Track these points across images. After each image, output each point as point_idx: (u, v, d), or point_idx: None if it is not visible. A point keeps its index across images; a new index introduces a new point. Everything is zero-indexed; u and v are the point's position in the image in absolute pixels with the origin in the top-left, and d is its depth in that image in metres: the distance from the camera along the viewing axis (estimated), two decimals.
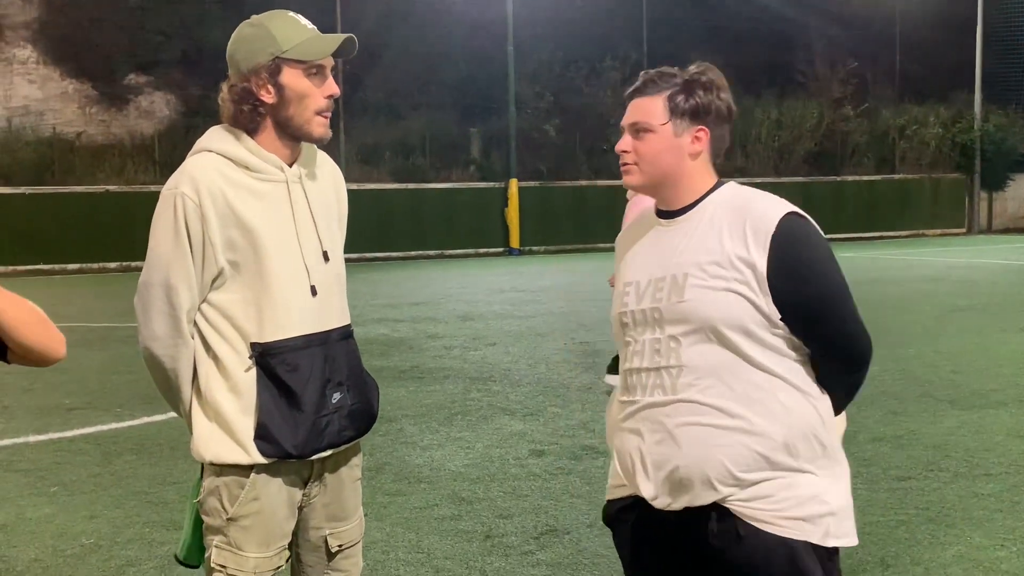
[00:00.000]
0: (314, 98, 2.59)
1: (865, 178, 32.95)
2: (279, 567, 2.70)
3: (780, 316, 2.38)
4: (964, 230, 34.76)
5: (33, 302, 2.15)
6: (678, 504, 2.44)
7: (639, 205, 9.80)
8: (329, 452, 2.67)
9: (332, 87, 2.62)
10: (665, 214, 2.56)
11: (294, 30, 2.58)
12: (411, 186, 27.80)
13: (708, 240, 2.42)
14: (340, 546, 2.79)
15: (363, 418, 2.75)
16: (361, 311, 14.26)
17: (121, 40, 32.68)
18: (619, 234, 2.76)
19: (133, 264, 24.34)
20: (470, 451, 6.91)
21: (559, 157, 30.57)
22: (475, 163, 30.52)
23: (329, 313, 2.67)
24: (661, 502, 2.45)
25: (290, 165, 2.65)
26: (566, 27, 31.51)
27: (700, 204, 2.49)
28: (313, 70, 2.59)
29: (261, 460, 2.56)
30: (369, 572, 4.66)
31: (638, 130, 2.48)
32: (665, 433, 2.43)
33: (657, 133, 2.46)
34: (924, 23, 35.22)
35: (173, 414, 8.45)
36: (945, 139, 34.90)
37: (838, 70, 33.75)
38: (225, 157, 2.58)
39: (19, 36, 33.27)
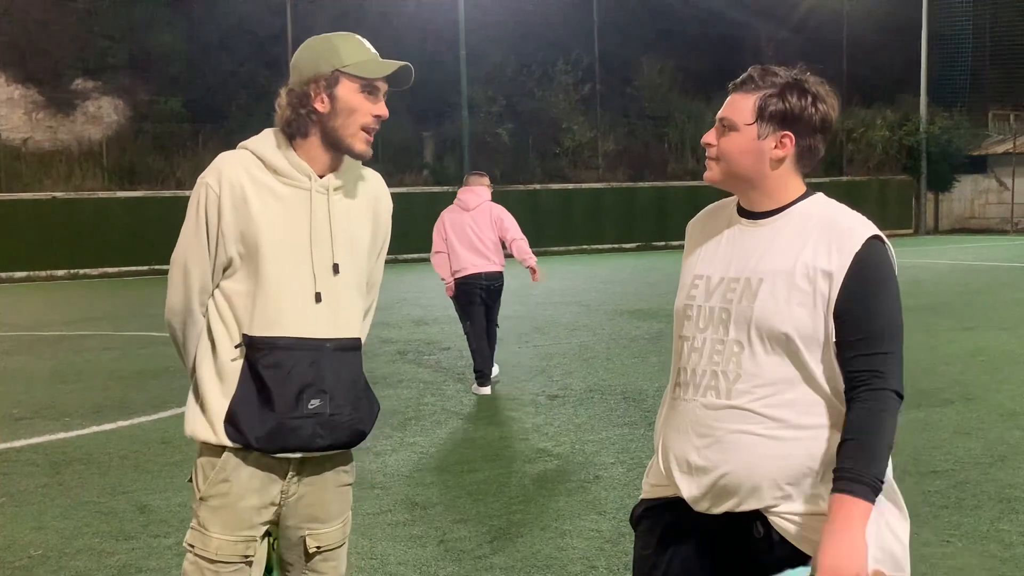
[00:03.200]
0: (362, 114, 2.72)
1: (814, 180, 33.11)
2: (247, 556, 2.74)
3: (836, 334, 2.32)
4: (912, 231, 35.33)
5: None
6: (719, 509, 2.40)
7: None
8: (299, 455, 2.71)
9: (382, 108, 2.76)
10: (748, 214, 2.48)
11: (358, 49, 2.75)
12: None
13: (790, 250, 2.36)
14: (319, 548, 2.83)
15: (343, 431, 2.76)
16: None
17: (68, 44, 32.23)
18: (693, 219, 2.66)
19: (81, 271, 24.10)
20: (424, 456, 6.90)
21: (512, 161, 30.64)
22: (428, 167, 30.50)
23: (330, 323, 2.72)
24: (702, 506, 2.41)
25: (322, 176, 2.75)
26: (518, 31, 31.62)
27: (786, 211, 2.42)
28: (368, 88, 2.73)
29: (227, 443, 2.66)
30: None
31: (725, 126, 2.42)
32: (714, 438, 2.38)
33: (741, 132, 2.39)
34: (870, 26, 35.75)
35: (123, 423, 8.35)
36: (892, 141, 35.45)
37: None
38: (256, 156, 2.72)
39: None
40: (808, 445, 2.34)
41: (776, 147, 2.38)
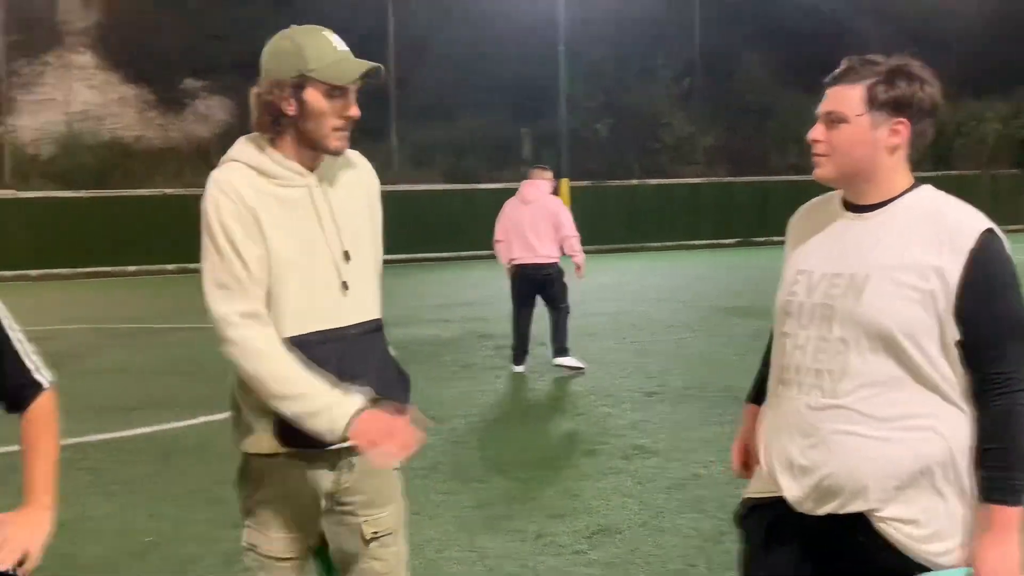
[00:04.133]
0: (332, 117, 2.69)
1: (922, 174, 32.15)
2: (300, 556, 2.81)
3: (958, 334, 2.26)
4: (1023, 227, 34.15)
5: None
6: (821, 510, 2.37)
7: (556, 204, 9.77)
8: (348, 443, 2.69)
9: (352, 109, 2.71)
10: (853, 207, 2.41)
11: (324, 50, 2.68)
12: (463, 187, 27.93)
13: (897, 244, 2.29)
14: (376, 533, 2.84)
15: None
16: (412, 312, 14.37)
17: (178, 45, 33.17)
18: (796, 214, 2.61)
19: (190, 266, 24.71)
20: (521, 451, 6.96)
21: (610, 156, 30.53)
22: (526, 163, 30.59)
23: (351, 309, 2.74)
24: (805, 507, 2.39)
25: (311, 171, 2.76)
26: (618, 26, 31.48)
27: (893, 203, 2.35)
28: (335, 92, 2.68)
29: (281, 450, 2.68)
30: (423, 571, 4.72)
31: (832, 120, 2.34)
32: (818, 438, 2.34)
33: (852, 124, 2.32)
34: (981, 16, 34.69)
35: (229, 413, 8.57)
36: (1004, 135, 34.33)
37: None
38: (250, 167, 2.71)
39: (79, 42, 33.91)
40: (915, 447, 2.29)
41: (890, 135, 2.32)
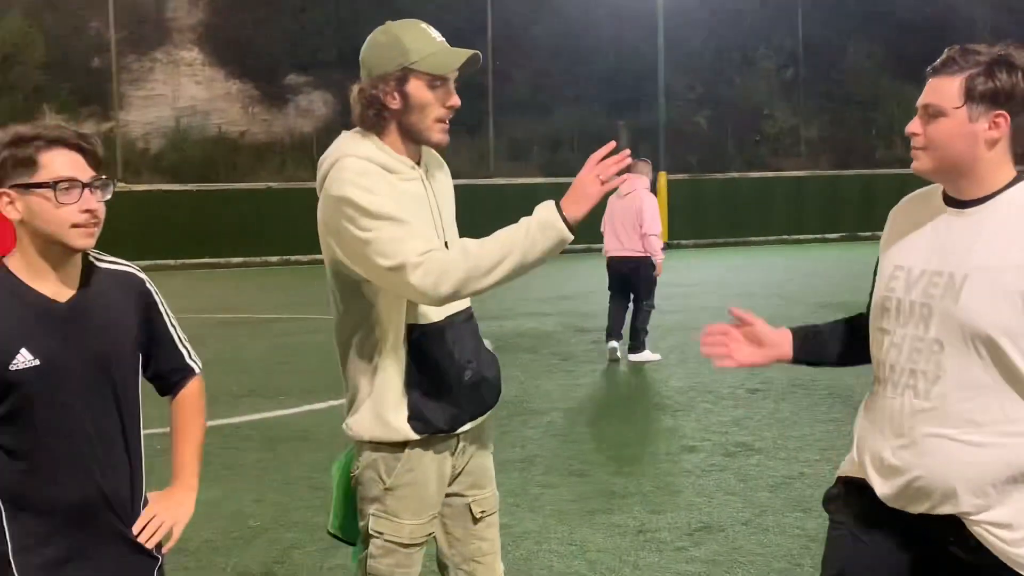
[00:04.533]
0: (436, 108, 2.73)
1: None
2: (430, 533, 2.90)
3: None
4: None
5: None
6: (913, 510, 2.33)
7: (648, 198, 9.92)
8: (469, 425, 2.85)
9: (454, 99, 2.75)
10: (954, 202, 2.34)
11: (424, 42, 2.72)
12: (560, 180, 27.89)
13: (998, 243, 2.23)
14: (483, 512, 2.95)
15: (491, 391, 2.91)
16: (511, 305, 14.40)
17: (281, 41, 33.82)
18: (896, 206, 2.54)
19: (292, 258, 25.24)
20: (621, 445, 6.91)
21: (709, 149, 30.20)
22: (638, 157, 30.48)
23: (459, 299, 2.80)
24: (896, 504, 2.36)
25: (418, 164, 2.82)
26: (718, 16, 31.10)
27: (995, 199, 2.28)
28: (437, 82, 2.72)
29: (414, 437, 2.74)
30: (523, 562, 4.72)
31: (930, 112, 2.28)
32: (910, 439, 2.31)
33: (950, 117, 2.25)
34: None
35: (334, 403, 8.71)
36: None
37: None
38: (372, 163, 2.73)
39: (186, 39, 34.83)
40: (1011, 453, 2.23)
41: (990, 128, 2.24)
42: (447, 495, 2.90)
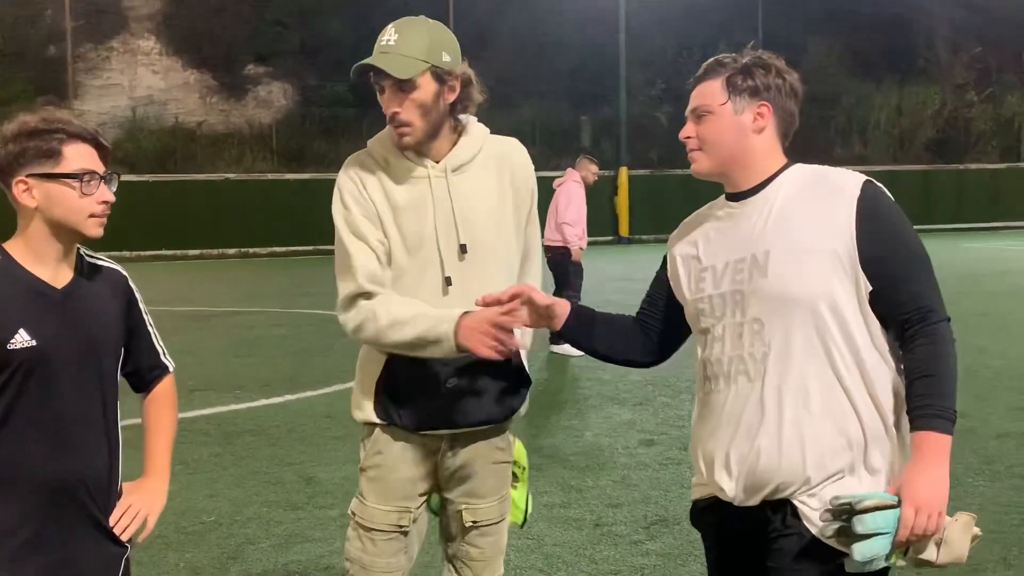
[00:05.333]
0: None
1: (989, 166, 31.85)
2: (402, 527, 2.85)
3: (869, 284, 2.27)
4: None
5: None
6: (755, 500, 2.34)
7: (572, 193, 10.25)
8: (445, 431, 2.79)
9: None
10: (735, 196, 2.45)
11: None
12: None
13: (788, 214, 2.33)
14: (475, 522, 2.90)
15: (484, 408, 2.80)
16: None
17: (241, 31, 33.51)
18: (675, 232, 2.61)
19: (251, 250, 25.06)
20: (579, 439, 6.91)
21: (670, 145, 30.22)
22: (585, 151, 30.46)
23: (466, 303, 2.70)
24: (739, 500, 2.36)
25: (438, 161, 2.77)
26: (679, 12, 31.20)
27: (773, 182, 2.39)
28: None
29: (376, 420, 2.80)
30: None
31: (699, 114, 2.42)
32: (749, 424, 2.32)
33: (717, 114, 2.39)
34: None
35: (291, 397, 8.65)
36: None
37: (961, 55, 32.72)
38: (371, 156, 2.79)
39: (143, 27, 34.40)
40: (842, 422, 2.27)
41: (755, 119, 2.38)
42: (445, 496, 2.90)
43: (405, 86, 2.66)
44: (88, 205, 2.33)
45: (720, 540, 2.51)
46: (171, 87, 33.07)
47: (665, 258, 2.62)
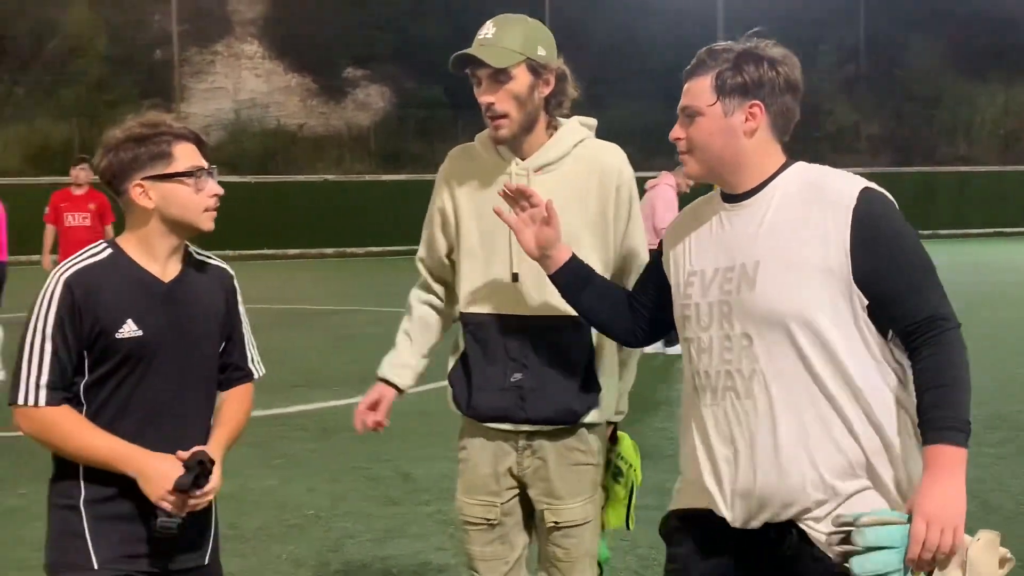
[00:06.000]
0: None
1: None
2: (488, 520, 2.89)
3: (865, 298, 2.15)
4: None
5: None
6: (756, 523, 2.23)
7: (659, 196, 10.08)
8: (508, 426, 2.83)
9: None
10: (729, 198, 2.32)
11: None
12: None
13: (780, 224, 2.20)
14: (556, 523, 2.89)
15: (547, 407, 2.80)
16: None
17: (339, 34, 34.06)
18: (674, 220, 2.53)
19: (348, 250, 25.45)
20: (674, 441, 6.85)
21: None
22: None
23: (535, 300, 2.77)
24: (739, 522, 2.24)
25: (524, 158, 2.81)
26: (779, 10, 30.74)
27: (768, 186, 2.26)
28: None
29: (454, 410, 2.92)
30: None
31: (688, 115, 2.29)
32: (741, 444, 2.22)
33: (706, 116, 2.25)
34: None
35: None
36: None
37: None
38: (469, 149, 2.91)
39: (247, 32, 35.21)
40: (840, 440, 2.16)
41: (747, 119, 2.25)
42: (530, 495, 2.90)
43: (501, 76, 2.70)
44: (202, 200, 2.45)
45: (707, 554, 2.36)
46: (273, 90, 33.79)
47: (661, 243, 2.52)
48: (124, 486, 2.38)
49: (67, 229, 10.97)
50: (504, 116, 2.72)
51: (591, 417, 2.83)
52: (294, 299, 15.98)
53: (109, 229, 11.14)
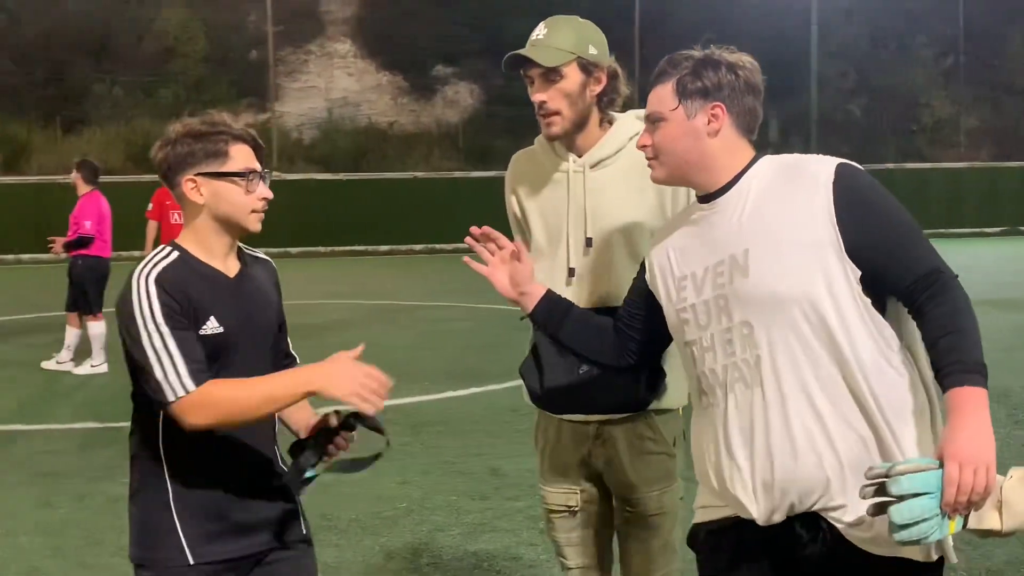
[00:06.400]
0: None
1: None
2: (570, 507, 2.96)
3: (858, 269, 2.15)
4: None
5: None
6: (779, 515, 2.21)
7: None
8: (579, 417, 2.88)
9: None
10: (704, 198, 2.35)
11: None
12: None
13: (763, 209, 2.23)
14: (630, 513, 2.93)
15: (615, 397, 2.84)
16: None
17: (429, 33, 34.34)
18: (653, 237, 2.54)
19: (437, 247, 25.63)
20: None
21: (864, 139, 29.33)
22: (773, 146, 29.84)
23: (591, 294, 2.83)
24: (764, 518, 2.22)
25: (581, 156, 2.86)
26: (873, 3, 30.14)
27: (742, 178, 2.29)
28: None
29: (528, 401, 2.99)
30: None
31: (653, 121, 2.33)
32: (753, 434, 2.20)
33: (669, 120, 2.30)
34: None
35: (476, 389, 8.83)
36: None
37: None
38: (530, 150, 3.00)
39: (339, 31, 35.72)
40: (856, 424, 2.15)
41: (709, 121, 2.28)
42: (606, 485, 2.95)
43: (552, 75, 2.76)
44: (251, 201, 2.48)
45: (739, 563, 2.34)
46: (364, 89, 34.24)
47: (643, 264, 2.52)
48: (209, 476, 2.45)
49: (171, 226, 11.23)
50: (556, 113, 2.79)
51: (659, 403, 2.86)
52: (384, 295, 16.17)
53: None
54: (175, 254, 2.47)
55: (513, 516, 5.28)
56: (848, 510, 2.16)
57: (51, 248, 10.02)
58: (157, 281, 2.38)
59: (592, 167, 2.84)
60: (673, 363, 2.85)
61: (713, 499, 2.37)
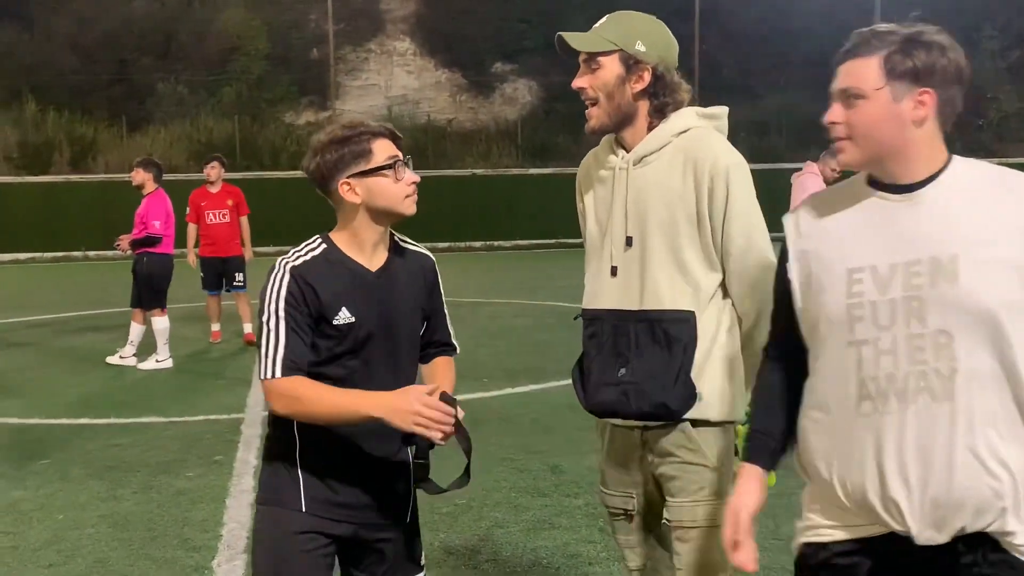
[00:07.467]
0: None
1: None
2: (627, 511, 2.98)
3: None
4: None
5: None
6: (944, 536, 2.08)
7: (805, 187, 9.61)
8: (619, 421, 2.88)
9: None
10: (893, 188, 2.15)
11: None
12: (765, 166, 27.25)
13: (972, 216, 2.06)
14: (668, 521, 2.90)
15: (646, 402, 2.78)
16: None
17: (488, 30, 34.40)
18: (796, 214, 2.31)
19: (495, 243, 25.70)
20: None
21: None
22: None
23: (632, 296, 2.79)
24: (925, 536, 2.08)
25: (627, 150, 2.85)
26: None
27: (942, 176, 2.12)
28: None
29: (575, 401, 2.99)
30: None
31: (849, 96, 2.12)
32: (933, 450, 2.06)
33: (871, 99, 2.09)
34: None
35: (534, 387, 8.79)
36: None
37: None
38: (596, 148, 3.00)
39: (398, 29, 35.93)
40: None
41: (915, 107, 2.08)
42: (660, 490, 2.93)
43: (592, 63, 2.77)
44: (401, 188, 2.65)
45: None
46: (424, 86, 34.41)
47: (787, 265, 2.29)
48: (333, 452, 2.64)
49: (208, 227, 11.32)
50: (594, 104, 2.78)
51: (691, 414, 2.76)
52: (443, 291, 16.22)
53: (244, 221, 11.47)
54: (321, 248, 2.66)
55: (572, 513, 5.26)
56: (1019, 535, 2.09)
57: (117, 246, 10.18)
58: (292, 271, 2.58)
59: (636, 163, 2.79)
60: (713, 376, 2.77)
61: (843, 515, 2.22)
